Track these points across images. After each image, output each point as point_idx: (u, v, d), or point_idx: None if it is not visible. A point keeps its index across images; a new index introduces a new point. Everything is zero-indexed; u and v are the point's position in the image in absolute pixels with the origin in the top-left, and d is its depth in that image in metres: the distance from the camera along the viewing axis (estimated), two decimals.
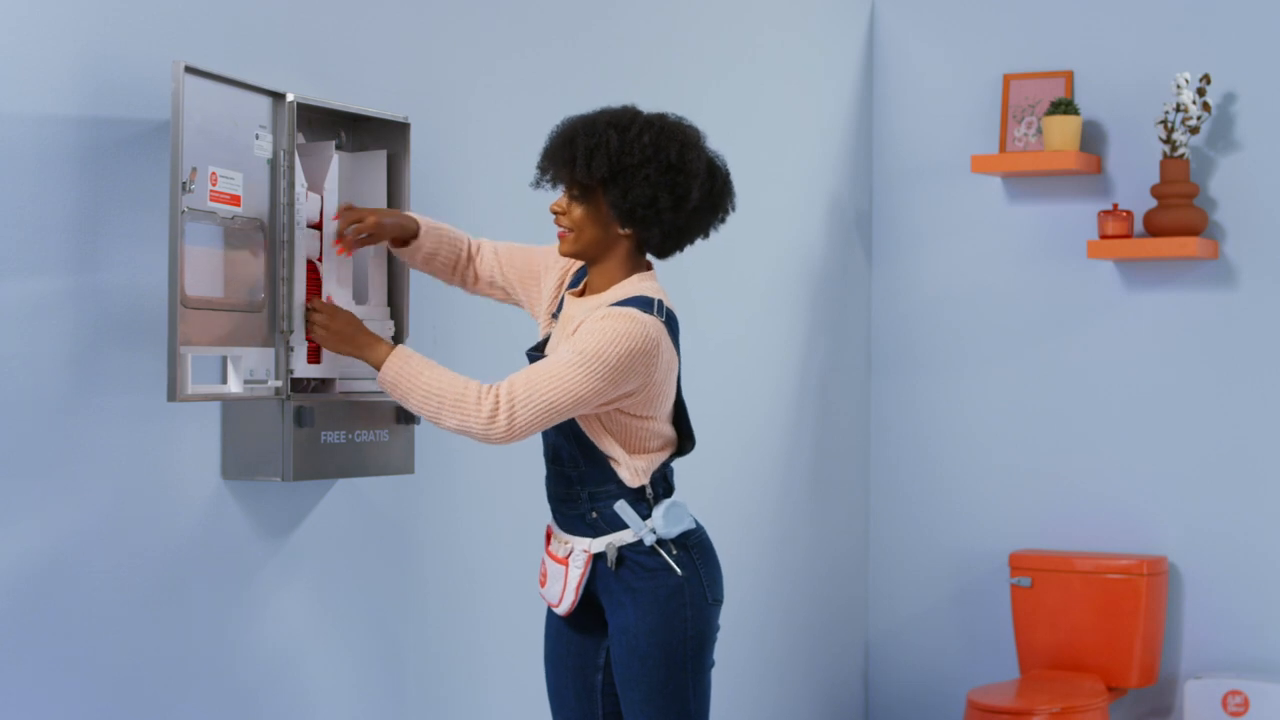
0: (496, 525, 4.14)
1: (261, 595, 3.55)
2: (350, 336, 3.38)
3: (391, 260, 3.68)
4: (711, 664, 3.41)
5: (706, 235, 3.44)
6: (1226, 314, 5.43)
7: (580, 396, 3.22)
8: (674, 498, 3.42)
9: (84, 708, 3.19)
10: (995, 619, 5.69)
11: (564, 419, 3.27)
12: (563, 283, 3.52)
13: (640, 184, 3.29)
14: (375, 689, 3.86)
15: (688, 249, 3.47)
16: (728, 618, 5.02)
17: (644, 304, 3.30)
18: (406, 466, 3.69)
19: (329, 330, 3.38)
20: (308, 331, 3.41)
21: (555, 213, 3.38)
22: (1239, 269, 5.41)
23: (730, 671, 5.10)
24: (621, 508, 3.35)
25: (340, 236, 3.45)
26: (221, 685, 3.47)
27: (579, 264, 3.51)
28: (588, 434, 3.34)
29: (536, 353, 3.45)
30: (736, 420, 5.19)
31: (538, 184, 3.43)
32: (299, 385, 3.48)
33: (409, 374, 3.28)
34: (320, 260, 3.48)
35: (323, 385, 3.56)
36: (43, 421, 3.10)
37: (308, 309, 3.41)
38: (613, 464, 3.35)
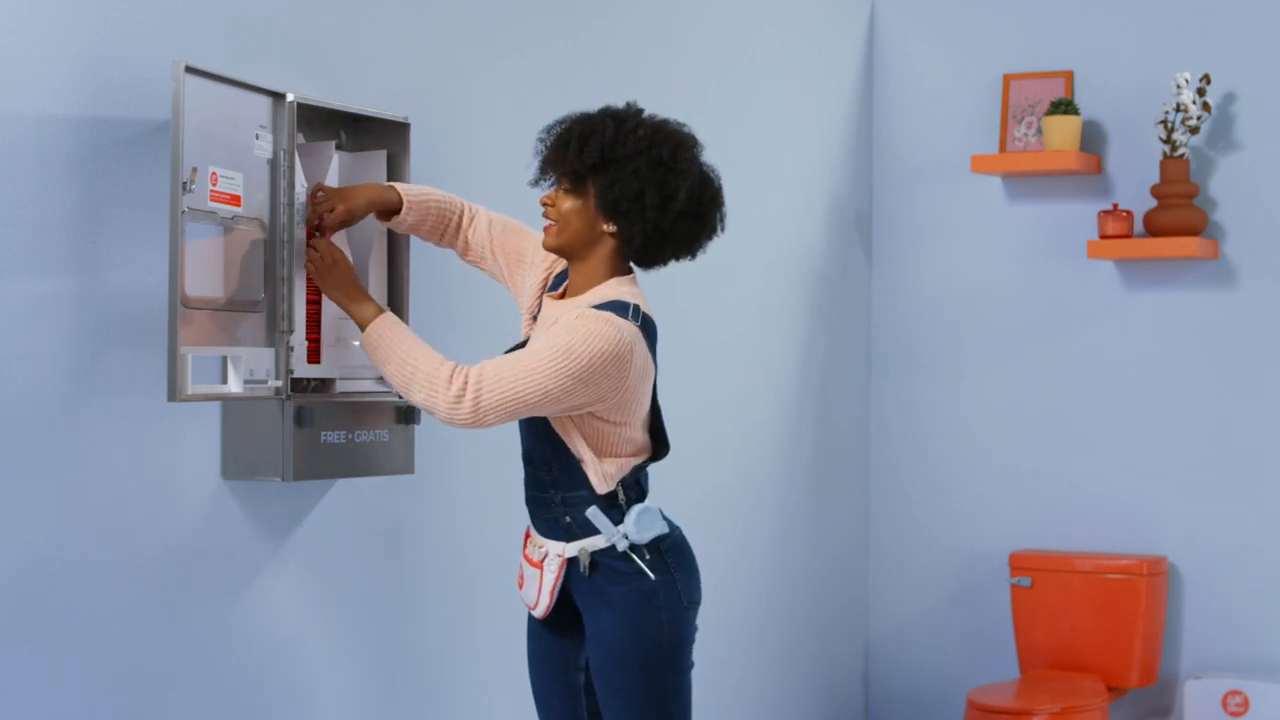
0: (496, 525, 4.14)
1: (261, 595, 3.55)
2: (345, 286, 3.37)
3: (391, 253, 3.68)
4: (691, 665, 3.39)
5: (693, 255, 3.41)
6: (1226, 314, 5.43)
7: (548, 392, 3.20)
8: (646, 503, 3.38)
9: (84, 707, 3.19)
10: (995, 619, 5.69)
11: (532, 413, 3.25)
12: (545, 283, 3.51)
13: (629, 176, 3.28)
14: (375, 688, 3.86)
15: (673, 265, 3.45)
16: (728, 618, 5.02)
17: (620, 308, 3.28)
18: (406, 466, 3.69)
19: (327, 274, 3.38)
20: (306, 263, 3.39)
21: (544, 205, 3.37)
22: (1239, 269, 5.41)
23: (730, 672, 5.10)
24: (594, 513, 3.33)
25: (315, 224, 3.43)
26: (221, 684, 3.47)
27: (562, 266, 3.49)
28: (560, 434, 3.32)
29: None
30: (736, 420, 5.19)
31: (536, 181, 3.42)
32: (299, 385, 3.48)
33: (392, 340, 3.28)
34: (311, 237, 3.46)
35: (323, 385, 3.56)
36: (43, 421, 3.10)
37: (309, 244, 3.40)
38: (582, 466, 3.33)
